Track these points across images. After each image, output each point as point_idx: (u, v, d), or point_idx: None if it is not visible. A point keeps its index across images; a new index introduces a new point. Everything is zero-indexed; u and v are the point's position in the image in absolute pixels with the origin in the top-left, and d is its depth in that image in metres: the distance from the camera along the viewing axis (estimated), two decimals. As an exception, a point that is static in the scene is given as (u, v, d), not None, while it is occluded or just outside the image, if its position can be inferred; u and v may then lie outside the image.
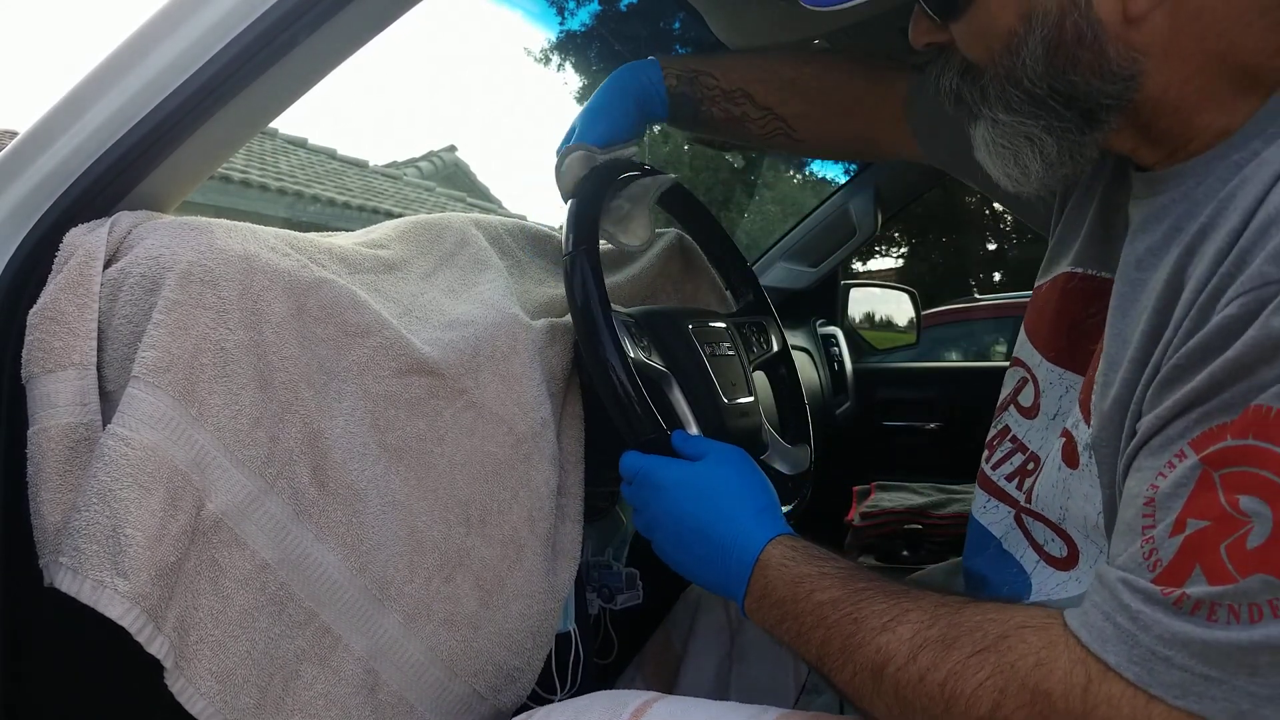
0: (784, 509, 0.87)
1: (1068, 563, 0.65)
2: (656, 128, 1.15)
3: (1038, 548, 0.67)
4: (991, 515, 0.73)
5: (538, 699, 0.84)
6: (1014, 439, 0.72)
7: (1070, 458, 0.64)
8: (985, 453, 0.75)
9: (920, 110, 0.89)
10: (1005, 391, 0.76)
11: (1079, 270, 0.69)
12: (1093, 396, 0.59)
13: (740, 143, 0.99)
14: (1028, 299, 0.85)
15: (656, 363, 0.86)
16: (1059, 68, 0.57)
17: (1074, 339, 0.68)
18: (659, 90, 0.94)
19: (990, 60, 0.60)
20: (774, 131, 0.96)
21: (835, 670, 0.57)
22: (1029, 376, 0.72)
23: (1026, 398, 0.72)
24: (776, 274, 1.88)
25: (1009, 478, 0.71)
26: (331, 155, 9.67)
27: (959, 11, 0.60)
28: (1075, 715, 0.46)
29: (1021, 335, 0.75)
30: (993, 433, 0.75)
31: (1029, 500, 0.69)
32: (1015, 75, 0.59)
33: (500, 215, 1.11)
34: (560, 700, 0.85)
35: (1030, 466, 0.70)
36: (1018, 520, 0.70)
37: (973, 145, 0.64)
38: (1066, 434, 0.65)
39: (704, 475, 0.72)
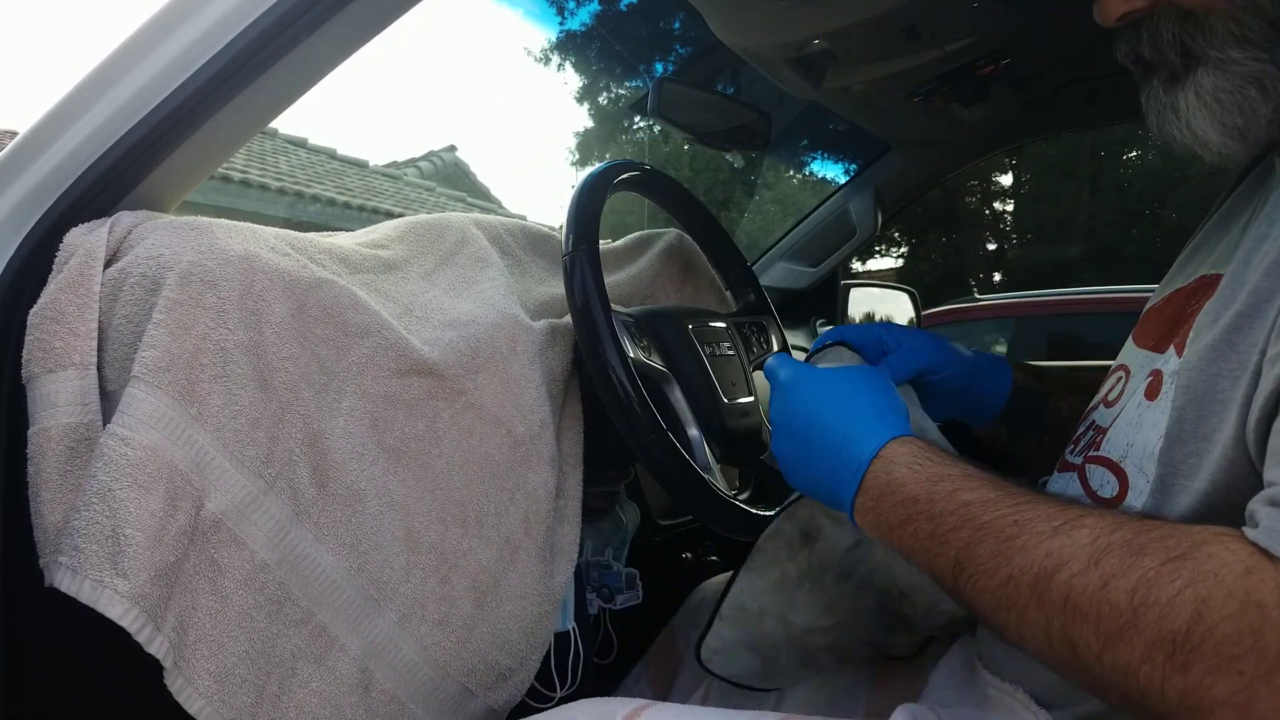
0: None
1: (1116, 501, 0.63)
2: (656, 127, 1.15)
3: (1092, 494, 0.66)
4: (1057, 484, 0.73)
5: (537, 696, 0.84)
6: (1094, 426, 0.71)
7: (1152, 391, 0.63)
8: (1070, 446, 0.73)
9: None
10: (1098, 395, 0.75)
11: (1211, 272, 0.67)
12: (1190, 334, 0.57)
13: None
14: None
15: (656, 363, 0.86)
16: None
17: (1171, 326, 0.66)
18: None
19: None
20: None
21: (979, 577, 0.52)
22: (1125, 375, 0.72)
23: (1115, 392, 0.71)
24: (776, 274, 1.88)
25: (1085, 450, 0.70)
26: (331, 155, 9.67)
27: None
28: None
29: (1128, 342, 0.74)
30: (1079, 429, 0.74)
31: (1096, 449, 0.67)
32: (1257, 2, 0.57)
33: (500, 215, 1.11)
34: (557, 700, 0.85)
35: (1099, 439, 0.69)
36: (1080, 475, 0.69)
37: (1170, 116, 0.61)
38: (1155, 373, 0.64)
39: (824, 373, 0.68)
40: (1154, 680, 0.44)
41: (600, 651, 1.07)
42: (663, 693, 1.00)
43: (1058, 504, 0.52)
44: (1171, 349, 0.63)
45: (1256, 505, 0.47)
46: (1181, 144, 0.61)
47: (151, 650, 0.59)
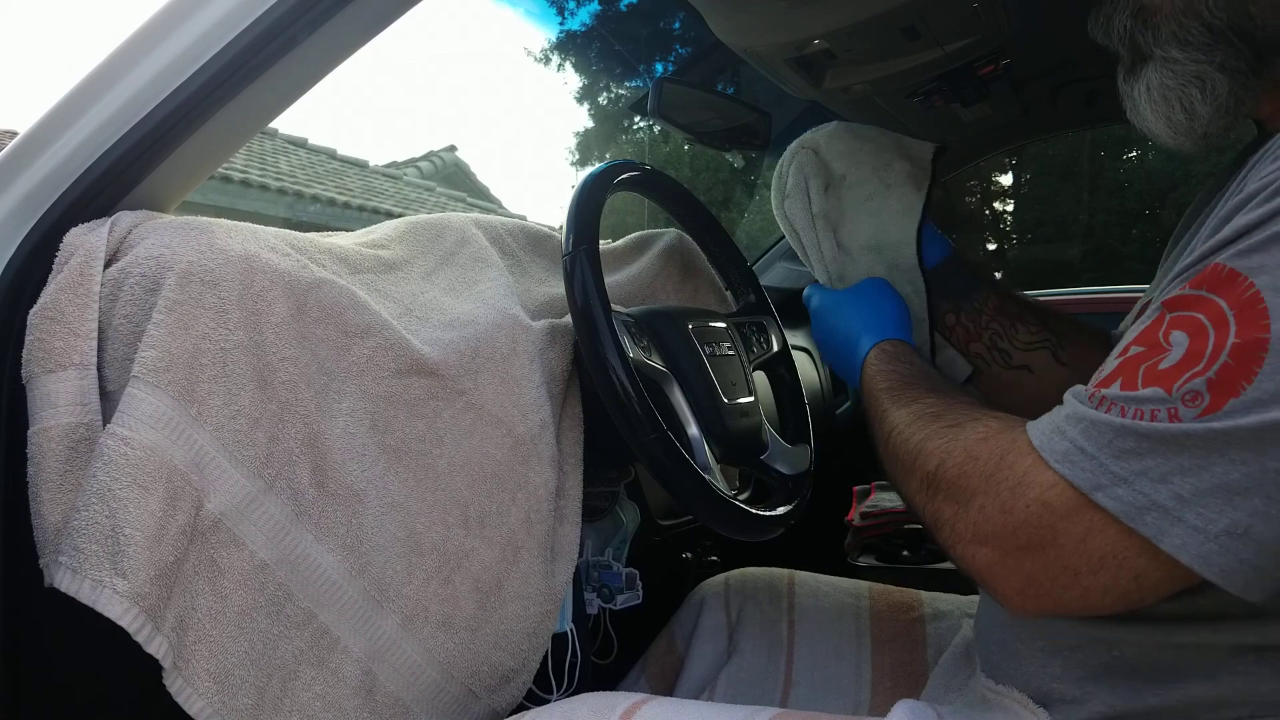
0: (784, 509, 0.88)
1: None
2: (656, 127, 1.14)
3: None
4: None
5: (534, 699, 0.84)
6: None
7: None
8: None
9: None
10: None
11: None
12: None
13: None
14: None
15: (656, 363, 0.86)
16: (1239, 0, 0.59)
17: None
18: None
19: None
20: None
21: (888, 429, 0.71)
22: None
23: None
24: (776, 274, 1.88)
25: None
26: (331, 155, 9.67)
27: None
28: (1005, 486, 0.55)
29: None
30: None
31: None
32: (1194, 8, 0.60)
33: (500, 215, 1.11)
34: (555, 700, 0.85)
35: None
36: None
37: (1129, 105, 0.66)
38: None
39: (842, 298, 0.90)
40: (920, 504, 0.63)
41: (600, 652, 1.07)
42: (662, 694, 1.00)
43: (965, 411, 0.65)
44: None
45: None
46: (1141, 130, 0.67)
47: (151, 650, 0.59)
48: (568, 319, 0.87)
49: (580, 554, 0.86)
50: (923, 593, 1.00)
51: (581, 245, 0.79)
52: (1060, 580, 0.53)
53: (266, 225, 0.76)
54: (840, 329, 0.87)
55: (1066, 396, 0.55)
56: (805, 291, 0.96)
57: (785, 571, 1.06)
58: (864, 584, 1.03)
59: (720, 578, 1.08)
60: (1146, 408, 0.49)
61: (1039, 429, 0.55)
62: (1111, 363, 0.53)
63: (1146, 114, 0.65)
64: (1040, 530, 0.53)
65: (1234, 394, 0.46)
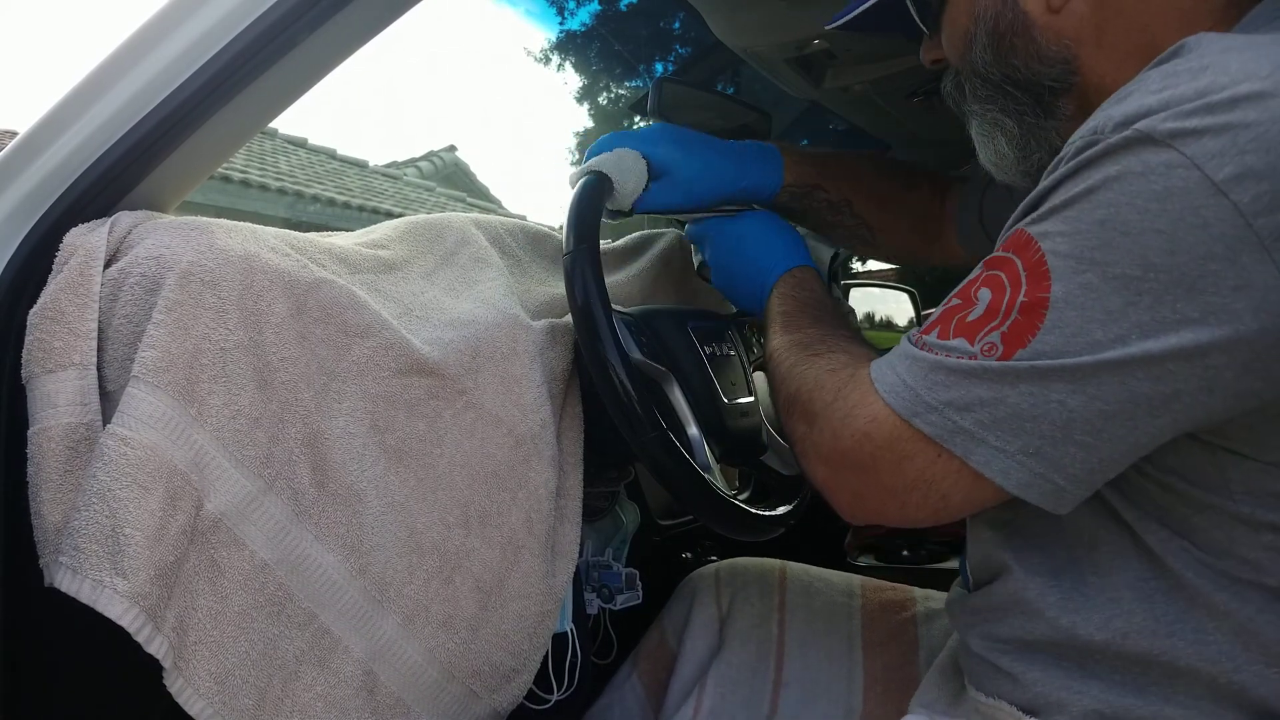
0: (784, 509, 0.88)
1: None
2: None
3: None
4: None
5: (535, 698, 0.84)
6: None
7: None
8: None
9: (963, 223, 1.02)
10: None
11: None
12: None
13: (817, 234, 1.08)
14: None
15: (657, 362, 0.86)
16: (1002, 55, 0.67)
17: None
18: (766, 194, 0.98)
19: (960, 60, 0.71)
20: (859, 239, 1.06)
21: (780, 343, 0.77)
22: None
23: None
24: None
25: None
26: (331, 155, 9.68)
27: (937, 23, 0.73)
28: (838, 416, 0.64)
29: None
30: None
31: None
32: (975, 67, 0.69)
33: (500, 215, 1.11)
34: (555, 702, 0.85)
35: None
36: None
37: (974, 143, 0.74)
38: None
39: (746, 228, 0.92)
40: (784, 420, 0.72)
41: (600, 652, 1.07)
42: (654, 691, 1.00)
43: (827, 343, 0.73)
44: None
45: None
46: None
47: (151, 650, 0.59)
48: (568, 318, 0.87)
49: (580, 554, 0.86)
50: (915, 589, 1.00)
51: (582, 245, 0.79)
52: (880, 497, 0.63)
53: (266, 225, 0.76)
54: (747, 257, 0.91)
55: (902, 339, 0.64)
56: (693, 228, 0.97)
57: (777, 563, 1.05)
58: (856, 579, 1.03)
59: (711, 568, 1.07)
60: (954, 353, 0.57)
61: (878, 364, 0.64)
62: (937, 311, 0.61)
63: (980, 154, 0.74)
64: (862, 456, 0.62)
65: (1021, 345, 0.54)
